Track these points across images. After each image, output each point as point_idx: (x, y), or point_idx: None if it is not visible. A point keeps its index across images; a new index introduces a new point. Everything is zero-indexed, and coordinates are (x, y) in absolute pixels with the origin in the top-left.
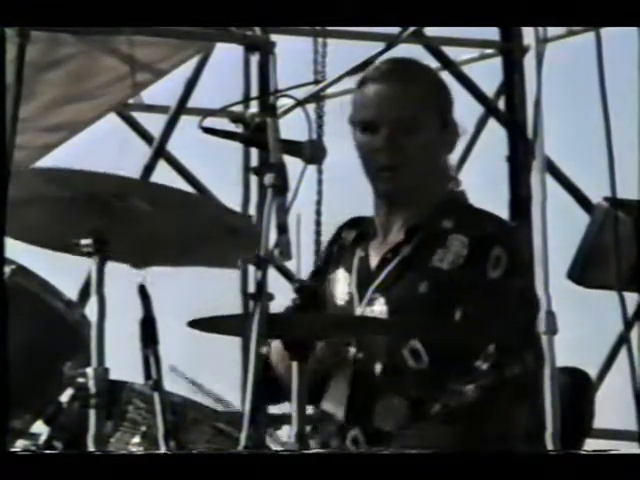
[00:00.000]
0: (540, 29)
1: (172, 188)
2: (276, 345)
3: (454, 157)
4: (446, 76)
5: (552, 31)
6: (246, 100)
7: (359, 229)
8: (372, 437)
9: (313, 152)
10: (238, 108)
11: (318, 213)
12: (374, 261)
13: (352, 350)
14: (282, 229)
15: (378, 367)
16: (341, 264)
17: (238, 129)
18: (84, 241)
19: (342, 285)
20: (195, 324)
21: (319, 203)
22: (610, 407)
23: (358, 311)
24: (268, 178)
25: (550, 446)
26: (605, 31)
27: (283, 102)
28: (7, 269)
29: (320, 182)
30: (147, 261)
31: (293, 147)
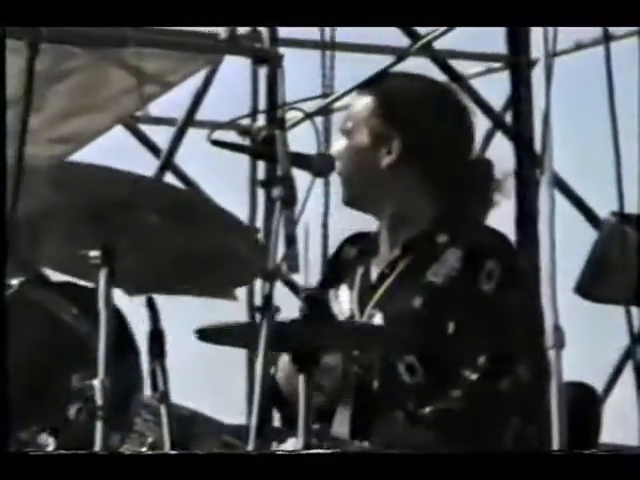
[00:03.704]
0: (549, 42)
1: (182, 190)
2: (283, 363)
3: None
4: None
5: (561, 45)
6: (254, 113)
7: (361, 245)
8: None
9: (321, 165)
10: (246, 121)
11: (325, 226)
12: (374, 277)
13: (354, 367)
14: (290, 241)
15: (375, 383)
16: (343, 281)
17: (246, 142)
18: (92, 253)
19: (344, 302)
20: (203, 332)
21: (326, 216)
22: (616, 422)
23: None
24: (276, 191)
25: None
26: (614, 45)
27: (291, 115)
28: (15, 281)
29: (327, 195)
30: (142, 288)
31: (301, 160)
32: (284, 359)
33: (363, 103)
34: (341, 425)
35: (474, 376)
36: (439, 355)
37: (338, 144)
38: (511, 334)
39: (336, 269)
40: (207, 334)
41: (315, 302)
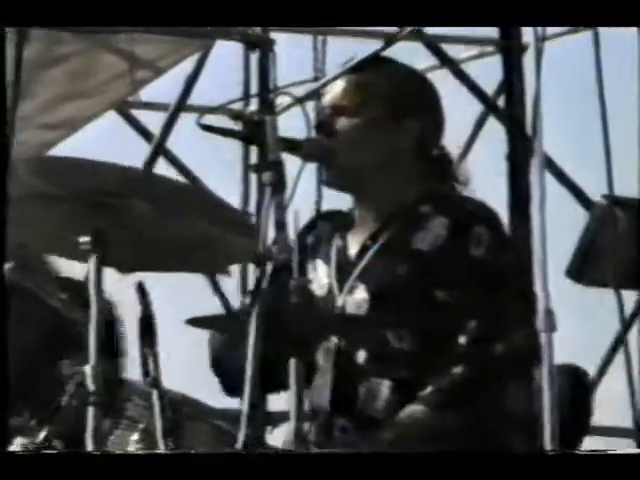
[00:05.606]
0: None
1: (173, 180)
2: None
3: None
4: (446, 74)
5: (551, 29)
6: (246, 98)
7: (335, 221)
8: (359, 423)
9: (311, 150)
10: (237, 105)
11: (318, 212)
12: (353, 250)
13: (334, 340)
14: (280, 226)
15: (362, 353)
16: (318, 256)
17: (237, 126)
18: (82, 239)
19: (321, 276)
20: (195, 322)
21: (319, 201)
22: (608, 404)
23: (339, 301)
24: (266, 176)
25: (548, 444)
26: (603, 29)
27: (282, 100)
28: (5, 267)
29: (320, 180)
30: (135, 266)
31: (291, 145)
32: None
33: (370, 79)
34: (320, 396)
35: (465, 341)
36: (428, 322)
37: (336, 123)
38: (503, 298)
39: (309, 245)
40: (199, 322)
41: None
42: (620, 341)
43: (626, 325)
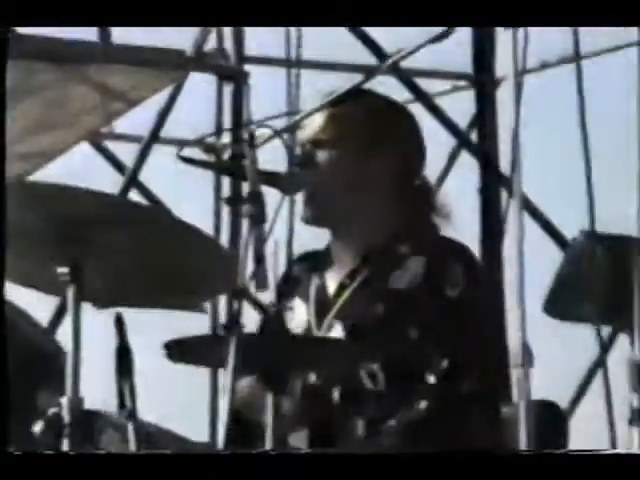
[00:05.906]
0: (518, 61)
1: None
2: (240, 388)
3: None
4: (419, 108)
5: (529, 62)
6: (220, 131)
7: (311, 262)
8: None
9: (291, 183)
10: (211, 138)
11: (289, 245)
12: (332, 288)
13: (312, 378)
14: (259, 259)
15: (337, 392)
16: (297, 295)
17: (211, 159)
18: (60, 270)
19: (299, 314)
20: (171, 346)
21: (291, 235)
22: (583, 438)
23: None
24: (246, 208)
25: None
26: (586, 62)
27: (261, 132)
28: None
29: (292, 213)
30: (111, 300)
31: (271, 178)
32: (241, 384)
33: (349, 112)
34: (298, 437)
35: (434, 379)
36: (402, 361)
37: (316, 157)
38: (476, 337)
39: (287, 287)
40: (175, 349)
41: (271, 318)
42: (595, 373)
43: (603, 359)
